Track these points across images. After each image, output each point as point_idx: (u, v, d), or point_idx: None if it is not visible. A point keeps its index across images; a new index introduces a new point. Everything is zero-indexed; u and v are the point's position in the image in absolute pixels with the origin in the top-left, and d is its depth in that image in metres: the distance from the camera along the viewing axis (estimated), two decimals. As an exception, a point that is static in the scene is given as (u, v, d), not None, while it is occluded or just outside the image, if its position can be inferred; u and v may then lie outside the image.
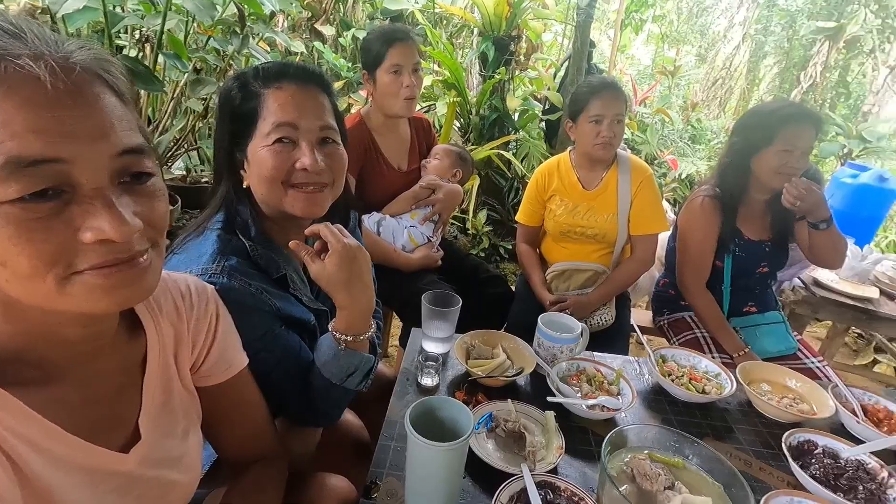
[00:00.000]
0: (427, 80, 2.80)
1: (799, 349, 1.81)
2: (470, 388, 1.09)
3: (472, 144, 3.03)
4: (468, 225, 3.12)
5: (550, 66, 3.45)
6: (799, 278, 2.31)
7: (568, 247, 1.89)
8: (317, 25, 3.66)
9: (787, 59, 5.89)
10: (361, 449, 1.07)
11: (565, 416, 1.04)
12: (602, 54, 7.45)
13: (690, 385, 1.13)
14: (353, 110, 1.91)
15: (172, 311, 0.66)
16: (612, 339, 1.81)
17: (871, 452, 0.95)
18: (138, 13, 1.95)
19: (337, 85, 3.56)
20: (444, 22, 4.12)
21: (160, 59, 2.00)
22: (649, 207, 1.77)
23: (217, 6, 2.05)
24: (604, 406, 1.02)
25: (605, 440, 0.85)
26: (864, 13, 4.99)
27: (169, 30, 2.20)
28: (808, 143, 1.57)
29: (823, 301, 2.17)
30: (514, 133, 3.12)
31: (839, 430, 1.08)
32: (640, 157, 4.00)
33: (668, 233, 1.97)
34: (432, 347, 1.21)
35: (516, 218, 1.99)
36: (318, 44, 3.53)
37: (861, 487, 0.88)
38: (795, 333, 1.91)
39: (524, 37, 2.85)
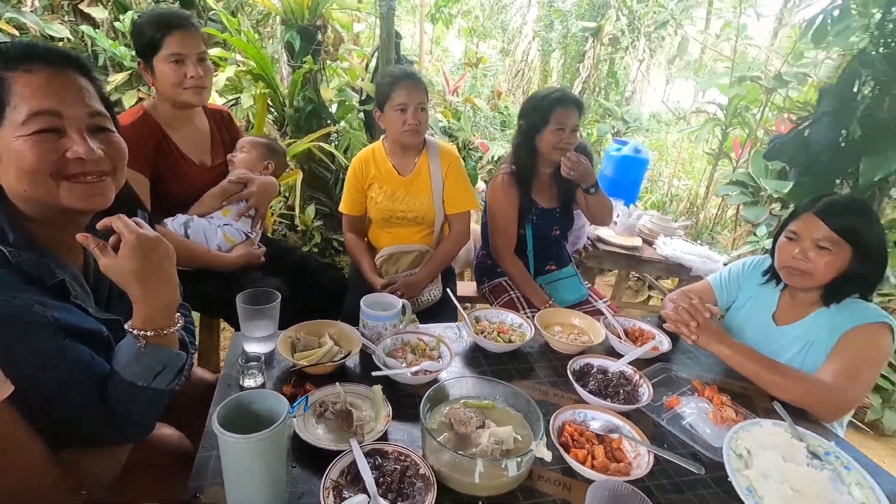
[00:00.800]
0: (230, 72, 2.60)
1: (590, 295, 2.18)
2: (298, 381, 1.08)
3: (290, 138, 2.92)
4: (297, 221, 3.02)
5: (364, 58, 3.49)
6: (588, 238, 2.77)
7: (392, 231, 1.97)
8: (83, 7, 3.09)
9: (566, 54, 6.93)
10: (183, 462, 0.99)
11: (394, 387, 1.10)
12: (418, 46, 7.75)
13: (499, 337, 1.29)
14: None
15: None
16: (441, 311, 1.96)
17: (629, 363, 1.21)
18: None
19: (120, 76, 3.07)
20: (248, 9, 3.86)
21: None
22: (459, 187, 1.93)
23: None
24: (426, 370, 1.11)
25: (423, 399, 0.93)
26: (616, 15, 6.13)
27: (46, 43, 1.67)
28: (574, 122, 1.88)
29: (605, 254, 2.64)
30: (334, 124, 3.10)
31: (612, 351, 1.35)
32: (457, 144, 4.33)
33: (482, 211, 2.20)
34: (255, 348, 1.16)
35: (340, 209, 2.00)
36: (87, 28, 2.99)
37: (622, 391, 1.12)
38: (587, 283, 2.30)
39: (330, 27, 2.83)
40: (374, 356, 1.13)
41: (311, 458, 0.88)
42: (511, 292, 2.09)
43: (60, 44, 2.74)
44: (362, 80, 3.06)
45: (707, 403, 1.16)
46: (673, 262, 2.59)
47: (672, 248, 2.63)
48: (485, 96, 5.71)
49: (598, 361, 1.22)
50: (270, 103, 2.90)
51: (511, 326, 1.37)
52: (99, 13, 3.12)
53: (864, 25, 2.22)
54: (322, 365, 1.10)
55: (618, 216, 2.95)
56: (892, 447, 2.92)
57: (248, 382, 1.05)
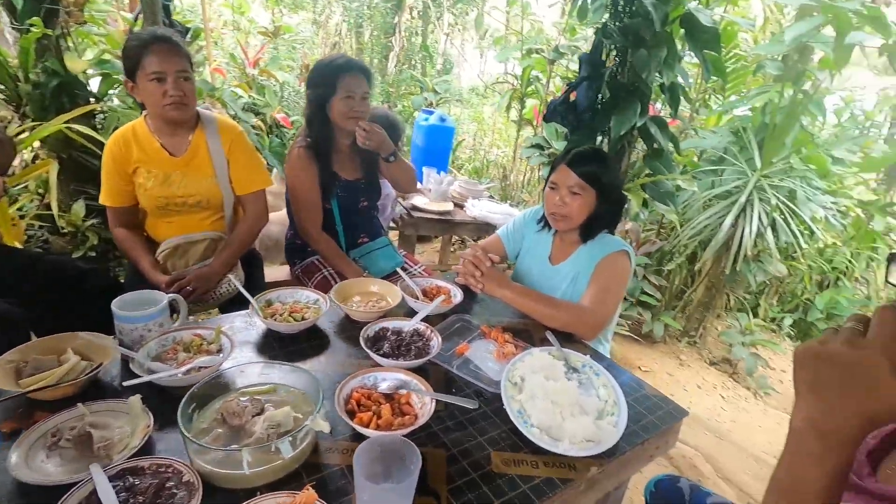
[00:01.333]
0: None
1: (406, 262, 2.23)
2: (25, 412, 0.88)
3: (33, 120, 2.35)
4: (61, 223, 2.49)
5: (129, 24, 2.95)
6: (402, 206, 2.81)
7: (174, 220, 1.72)
8: None
9: (373, 25, 6.88)
10: None
11: (164, 394, 0.96)
12: (219, 15, 6.90)
13: (290, 317, 1.22)
14: None
15: None
16: (245, 300, 1.80)
17: (424, 320, 1.26)
18: None
19: None
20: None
21: None
22: (247, 165, 1.76)
23: None
24: (199, 367, 0.99)
25: (185, 398, 0.83)
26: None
27: None
28: (364, 89, 1.84)
29: (420, 220, 2.72)
30: (96, 101, 2.58)
31: (412, 312, 1.38)
32: (264, 120, 4.01)
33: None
34: (-41, 384, 0.91)
35: (100, 201, 1.68)
36: None
37: (413, 347, 1.15)
38: (402, 251, 2.34)
39: (67, -19, 2.30)
40: (131, 364, 0.97)
41: (40, 501, 0.72)
42: (323, 270, 2.03)
43: None
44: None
45: (493, 344, 1.27)
46: (481, 222, 2.80)
47: (479, 209, 2.83)
48: (287, 68, 5.37)
49: (393, 324, 1.24)
50: (-6, 78, 2.28)
51: (306, 304, 1.32)
52: None
53: (606, 4, 2.60)
54: (59, 387, 0.91)
55: (434, 183, 3.07)
56: (661, 351, 3.65)
57: (-54, 429, 0.82)
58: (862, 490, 0.64)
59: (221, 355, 1.05)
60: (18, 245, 2.18)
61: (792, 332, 4.54)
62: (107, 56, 2.68)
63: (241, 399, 0.88)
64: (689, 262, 3.76)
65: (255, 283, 1.89)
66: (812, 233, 3.36)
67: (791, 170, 3.22)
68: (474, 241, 4.22)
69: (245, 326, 1.25)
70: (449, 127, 3.41)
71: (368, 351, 1.11)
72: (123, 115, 2.59)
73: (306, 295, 1.34)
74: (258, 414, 0.87)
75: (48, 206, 2.38)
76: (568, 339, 1.35)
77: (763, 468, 2.55)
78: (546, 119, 2.64)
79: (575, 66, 4.88)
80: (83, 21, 2.50)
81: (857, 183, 4.64)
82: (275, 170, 3.32)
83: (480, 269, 1.43)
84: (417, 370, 1.08)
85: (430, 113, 3.47)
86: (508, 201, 4.21)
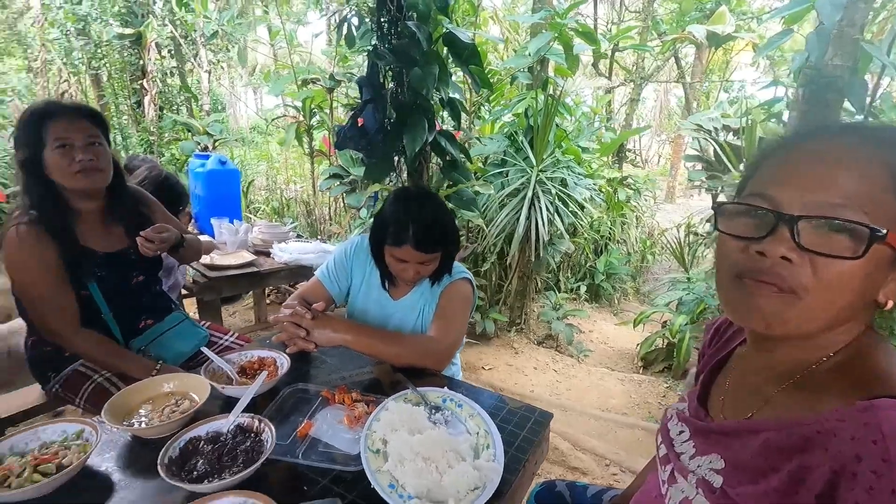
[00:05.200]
0: None
1: (212, 334, 1.85)
2: None
3: None
4: None
5: None
6: (193, 268, 2.37)
7: None
8: None
9: (109, 67, 5.86)
10: None
11: None
12: None
13: (36, 473, 0.83)
14: None
15: None
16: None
17: (246, 410, 0.99)
18: None
19: None
20: None
21: None
22: None
23: None
24: None
25: None
26: (161, 22, 5.55)
27: None
28: (85, 132, 1.42)
29: (220, 280, 2.32)
30: None
31: (230, 402, 1.08)
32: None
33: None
34: None
35: None
36: None
37: (239, 451, 0.89)
38: (204, 322, 1.95)
39: None
40: None
41: None
42: (95, 376, 1.53)
43: None
44: None
45: (341, 409, 1.08)
46: (293, 266, 2.52)
47: (288, 252, 2.55)
48: (7, 128, 4.18)
49: (206, 429, 0.95)
50: None
51: (64, 442, 0.92)
52: None
53: (371, 28, 2.61)
54: None
55: (226, 235, 2.67)
56: (496, 345, 3.85)
57: None
58: (706, 431, 0.67)
59: None
60: None
61: (587, 297, 5.31)
62: None
63: None
64: (498, 258, 4.07)
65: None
66: (583, 209, 3.95)
67: (558, 162, 3.74)
68: (291, 287, 3.87)
69: (-44, 513, 0.81)
70: (232, 170, 3.03)
71: (173, 482, 0.81)
72: None
73: (62, 429, 0.94)
74: None
75: None
76: (420, 374, 1.24)
77: (602, 425, 2.86)
78: (338, 146, 2.52)
79: (354, 93, 4.91)
80: None
81: (601, 166, 5.68)
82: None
83: (303, 325, 1.22)
84: (253, 481, 0.83)
85: (206, 157, 3.04)
86: (318, 237, 3.97)
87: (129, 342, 1.63)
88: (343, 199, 4.62)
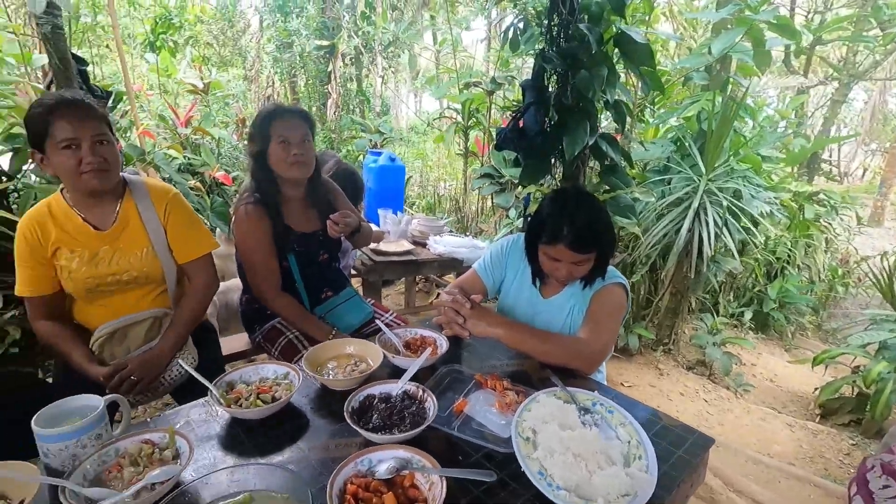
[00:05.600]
0: None
1: (375, 312, 2.08)
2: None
3: (-69, 208, 2.07)
4: (-27, 320, 2.16)
5: (36, 93, 2.73)
6: (362, 252, 2.68)
7: (107, 303, 1.50)
8: None
9: (307, 74, 6.86)
10: None
11: (109, 527, 0.77)
12: (146, 79, 6.65)
13: (258, 400, 1.05)
14: None
15: None
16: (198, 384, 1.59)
17: (413, 379, 1.12)
18: None
19: None
20: None
21: None
22: (187, 229, 1.57)
23: None
24: (153, 483, 0.81)
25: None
26: (349, 35, 6.32)
27: None
28: (301, 132, 1.73)
29: (383, 265, 2.59)
30: (7, 180, 2.32)
31: (397, 371, 1.23)
32: (203, 181, 3.79)
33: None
34: None
35: (17, 292, 1.44)
36: None
37: (407, 414, 1.01)
38: (370, 299, 2.19)
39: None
40: (61, 496, 0.77)
41: None
42: (288, 333, 1.84)
43: None
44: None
45: (492, 394, 1.15)
46: (446, 258, 2.70)
47: (442, 244, 2.74)
48: (221, 124, 5.22)
49: (379, 389, 1.10)
50: None
51: (275, 380, 1.15)
52: None
53: (540, 32, 2.66)
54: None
55: (389, 224, 2.96)
56: (639, 363, 3.62)
57: None
58: None
59: (179, 463, 0.87)
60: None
61: (752, 325, 4.68)
62: (17, 130, 2.44)
63: (211, 521, 0.71)
64: (650, 271, 3.81)
65: (211, 361, 1.67)
66: (757, 225, 3.49)
67: (732, 171, 3.36)
68: (438, 277, 4.12)
69: (205, 418, 1.06)
70: (399, 166, 3.35)
71: (356, 427, 0.96)
72: (42, 191, 2.33)
73: (273, 370, 1.17)
74: (234, 537, 0.70)
75: (-46, 303, 2.06)
76: (567, 375, 1.25)
77: (764, 471, 2.52)
78: (497, 147, 2.61)
79: (512, 95, 5.01)
80: (-15, 94, 2.27)
81: (786, 177, 4.94)
82: (218, 230, 3.11)
83: (462, 312, 1.31)
84: (416, 441, 0.94)
85: (378, 154, 3.40)
86: (468, 233, 4.15)
87: (313, 309, 1.91)
88: (492, 198, 4.76)
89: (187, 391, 1.57)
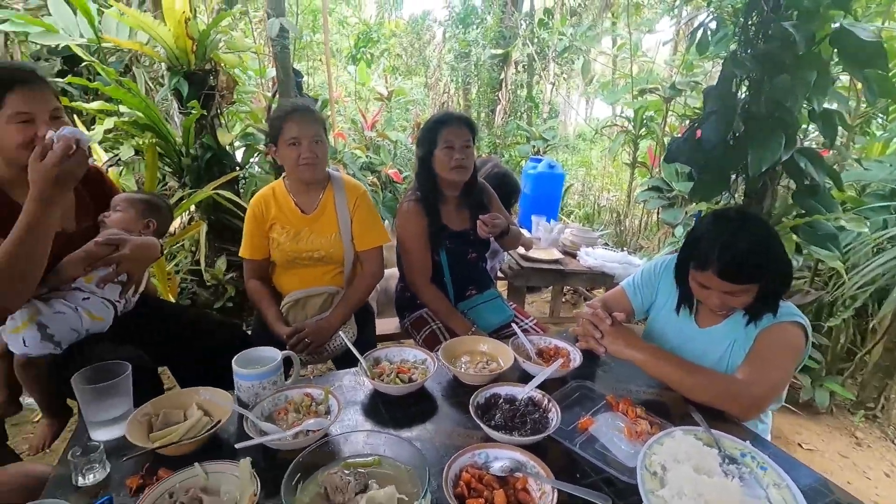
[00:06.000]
0: (108, 123, 2.40)
1: (516, 316, 2.11)
2: (152, 467, 0.90)
3: (190, 187, 2.73)
4: (206, 277, 2.80)
5: (267, 100, 3.39)
6: (511, 256, 2.73)
7: (298, 273, 1.82)
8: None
9: (481, 81, 7.18)
10: None
11: (275, 457, 0.95)
12: (345, 87, 7.74)
13: (397, 379, 1.17)
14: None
15: None
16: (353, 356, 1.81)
17: (540, 387, 1.12)
18: None
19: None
20: (147, 60, 3.67)
21: None
22: (368, 222, 1.83)
23: None
24: (308, 430, 0.97)
25: (290, 469, 0.79)
26: (524, 42, 6.44)
27: None
28: (464, 138, 1.85)
29: (530, 271, 2.60)
30: (239, 169, 2.94)
31: (525, 376, 1.25)
32: (379, 178, 4.27)
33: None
34: (103, 434, 0.98)
35: (240, 254, 1.83)
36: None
37: (529, 420, 1.02)
38: (512, 303, 2.23)
39: (221, 70, 2.71)
40: (245, 422, 0.98)
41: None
42: (432, 324, 1.99)
43: None
44: (265, 121, 2.96)
45: (622, 418, 1.09)
46: (596, 272, 2.59)
47: (593, 257, 2.64)
48: (400, 128, 5.80)
49: (505, 390, 1.13)
50: (164, 154, 2.71)
51: (414, 364, 1.26)
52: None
53: (734, 32, 2.37)
54: (182, 444, 0.93)
55: (541, 232, 2.95)
56: (827, 425, 3.00)
57: (86, 479, 0.87)
58: None
59: (329, 418, 1.02)
60: (172, 298, 2.48)
61: None
62: (250, 130, 3.06)
63: (345, 472, 0.82)
64: (856, 316, 3.11)
65: (366, 338, 1.91)
66: None
67: None
68: (587, 290, 3.96)
69: (353, 386, 1.22)
70: (559, 174, 3.31)
71: (479, 422, 1.00)
72: (261, 179, 2.90)
73: (414, 354, 1.29)
74: (361, 492, 0.80)
75: (198, 262, 2.69)
76: (715, 417, 1.12)
77: None
78: (668, 160, 2.42)
79: (694, 102, 4.54)
80: (233, 101, 2.90)
81: None
82: (386, 222, 3.46)
83: (601, 328, 1.26)
84: (534, 448, 0.95)
85: (538, 161, 3.41)
86: (625, 248, 3.91)
87: (457, 304, 2.03)
88: (658, 213, 4.40)
89: (344, 361, 1.81)
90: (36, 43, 2.86)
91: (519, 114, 7.89)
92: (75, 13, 2.71)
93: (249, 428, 0.96)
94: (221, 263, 2.84)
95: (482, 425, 1.00)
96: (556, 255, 2.69)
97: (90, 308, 1.38)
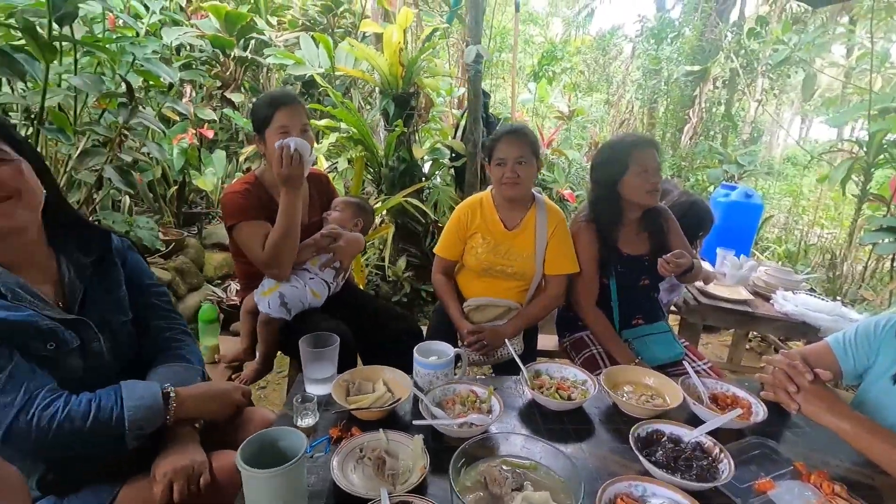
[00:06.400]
0: (332, 138, 2.92)
1: (686, 354, 1.95)
2: (347, 424, 1.10)
3: (385, 194, 3.15)
4: (388, 272, 3.18)
5: (457, 119, 3.71)
6: (688, 289, 2.51)
7: (487, 281, 1.96)
8: (227, 94, 3.75)
9: (670, 100, 6.64)
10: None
11: (440, 439, 1.07)
12: (523, 102, 8.00)
13: (557, 394, 1.20)
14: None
15: None
16: (516, 366, 1.89)
17: (710, 434, 1.05)
18: (20, 93, 1.96)
19: (251, 148, 3.63)
20: (361, 84, 4.35)
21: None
22: (563, 249, 1.89)
23: (105, 81, 2.09)
24: (472, 423, 1.07)
25: (456, 453, 0.90)
26: (728, 57, 5.78)
27: (59, 105, 2.22)
28: (656, 162, 1.79)
29: (709, 308, 2.36)
30: (426, 181, 3.28)
31: (692, 419, 1.17)
32: (551, 195, 4.29)
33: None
34: (314, 389, 1.22)
35: (435, 250, 2.04)
36: (227, 110, 3.61)
37: (695, 465, 0.96)
38: (682, 340, 2.07)
39: (422, 93, 3.07)
40: (420, 404, 1.12)
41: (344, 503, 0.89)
42: (593, 347, 1.95)
43: (206, 125, 3.33)
44: (452, 138, 3.25)
45: (812, 492, 0.96)
46: (795, 320, 2.23)
47: (794, 303, 2.27)
48: (577, 146, 5.70)
49: (670, 429, 1.08)
50: (368, 164, 3.17)
51: (574, 383, 1.28)
52: (237, 98, 3.75)
53: None
54: (371, 410, 1.11)
55: (727, 267, 2.66)
56: None
57: (302, 422, 1.10)
58: None
59: (491, 416, 1.11)
60: (361, 286, 2.89)
61: None
62: (438, 146, 3.39)
63: (504, 468, 0.89)
64: None
65: (529, 351, 1.98)
66: None
67: None
68: (780, 340, 3.40)
69: (513, 392, 1.29)
70: (755, 204, 2.94)
71: (639, 454, 0.98)
72: (442, 191, 3.19)
73: (574, 373, 1.30)
74: (517, 489, 0.86)
75: (383, 259, 3.09)
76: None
77: None
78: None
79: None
80: (428, 120, 3.26)
81: None
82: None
83: (798, 382, 1.11)
84: (698, 495, 0.89)
85: (732, 188, 3.07)
86: (838, 298, 3.26)
87: (621, 331, 1.96)
88: (893, 260, 3.57)
89: (503, 369, 1.91)
90: (285, 71, 3.63)
91: (712, 134, 7.13)
92: (317, 47, 3.36)
93: (423, 409, 1.10)
94: (402, 262, 3.20)
95: (642, 458, 0.98)
96: (744, 294, 2.39)
97: (313, 287, 1.73)
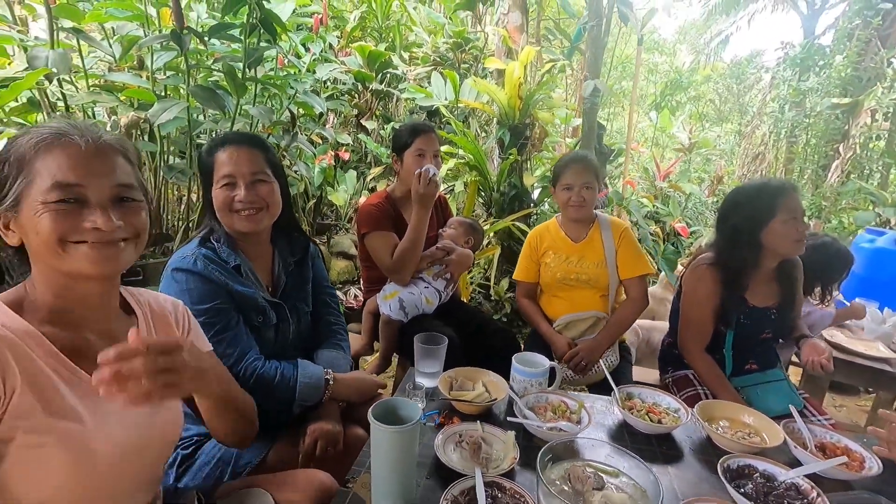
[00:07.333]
0: (451, 163, 3.19)
1: (805, 407, 1.82)
2: (449, 414, 1.26)
3: (494, 217, 3.33)
4: (491, 292, 3.33)
5: (568, 148, 3.80)
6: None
7: (564, 296, 2.07)
8: (362, 121, 4.26)
9: (811, 133, 5.98)
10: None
11: (530, 439, 1.18)
12: (643, 133, 7.80)
13: (647, 416, 1.24)
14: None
15: (160, 312, 0.95)
16: (608, 388, 1.91)
17: (808, 477, 1.03)
18: (213, 118, 2.48)
19: (377, 169, 4.07)
20: (479, 113, 4.65)
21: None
22: (632, 253, 2.01)
23: (275, 111, 2.55)
24: (560, 428, 1.16)
25: (545, 447, 1.01)
26: (879, 89, 5.11)
27: (238, 130, 2.75)
28: (802, 207, 1.71)
29: (839, 363, 2.14)
30: (533, 207, 3.41)
31: (791, 462, 1.14)
32: (664, 228, 4.15)
33: (673, 293, 2.14)
34: (423, 381, 1.41)
35: (514, 276, 2.22)
36: (362, 136, 4.09)
37: (791, 501, 0.96)
38: (803, 392, 1.92)
39: (537, 124, 3.22)
40: (514, 405, 1.24)
41: (441, 475, 1.04)
42: (698, 388, 1.89)
43: (342, 149, 3.82)
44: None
45: (926, 556, 0.90)
46: (948, 388, 1.95)
47: (949, 369, 1.98)
48: (696, 180, 5.38)
49: (763, 465, 1.07)
50: (481, 188, 3.39)
51: (666, 409, 1.30)
52: (371, 125, 4.25)
53: None
54: (471, 405, 1.26)
55: (866, 321, 2.39)
56: None
57: (412, 405, 1.29)
58: None
59: (579, 426, 1.19)
60: (465, 300, 3.08)
61: None
62: (548, 174, 3.51)
63: (588, 469, 0.98)
64: None
65: (623, 374, 2.00)
66: None
67: None
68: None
69: (604, 410, 1.35)
70: (908, 253, 2.60)
71: (726, 482, 1.00)
72: (548, 216, 3.28)
73: (668, 401, 1.33)
74: (598, 489, 0.94)
75: (487, 279, 3.25)
76: None
77: None
78: None
79: None
80: (541, 149, 3.40)
81: None
82: (662, 274, 3.37)
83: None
84: (788, 534, 0.90)
85: (880, 234, 2.75)
86: None
87: (731, 377, 1.86)
88: None
89: (596, 389, 1.95)
90: (413, 102, 4.03)
91: (867, 173, 6.29)
92: (445, 83, 3.70)
93: (517, 410, 1.23)
94: (504, 283, 3.34)
95: (729, 488, 0.99)
96: (884, 352, 2.13)
97: (427, 295, 1.97)
